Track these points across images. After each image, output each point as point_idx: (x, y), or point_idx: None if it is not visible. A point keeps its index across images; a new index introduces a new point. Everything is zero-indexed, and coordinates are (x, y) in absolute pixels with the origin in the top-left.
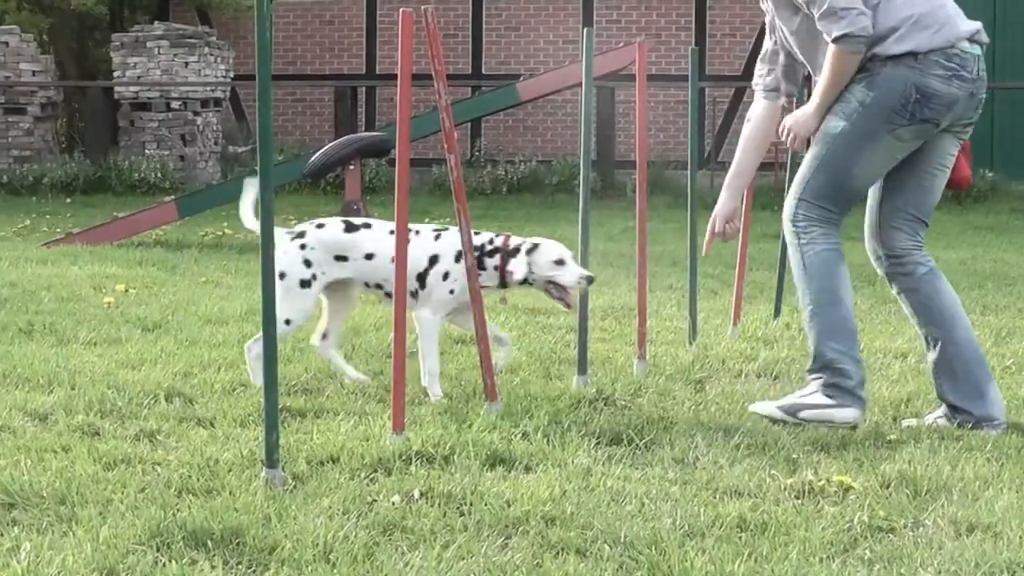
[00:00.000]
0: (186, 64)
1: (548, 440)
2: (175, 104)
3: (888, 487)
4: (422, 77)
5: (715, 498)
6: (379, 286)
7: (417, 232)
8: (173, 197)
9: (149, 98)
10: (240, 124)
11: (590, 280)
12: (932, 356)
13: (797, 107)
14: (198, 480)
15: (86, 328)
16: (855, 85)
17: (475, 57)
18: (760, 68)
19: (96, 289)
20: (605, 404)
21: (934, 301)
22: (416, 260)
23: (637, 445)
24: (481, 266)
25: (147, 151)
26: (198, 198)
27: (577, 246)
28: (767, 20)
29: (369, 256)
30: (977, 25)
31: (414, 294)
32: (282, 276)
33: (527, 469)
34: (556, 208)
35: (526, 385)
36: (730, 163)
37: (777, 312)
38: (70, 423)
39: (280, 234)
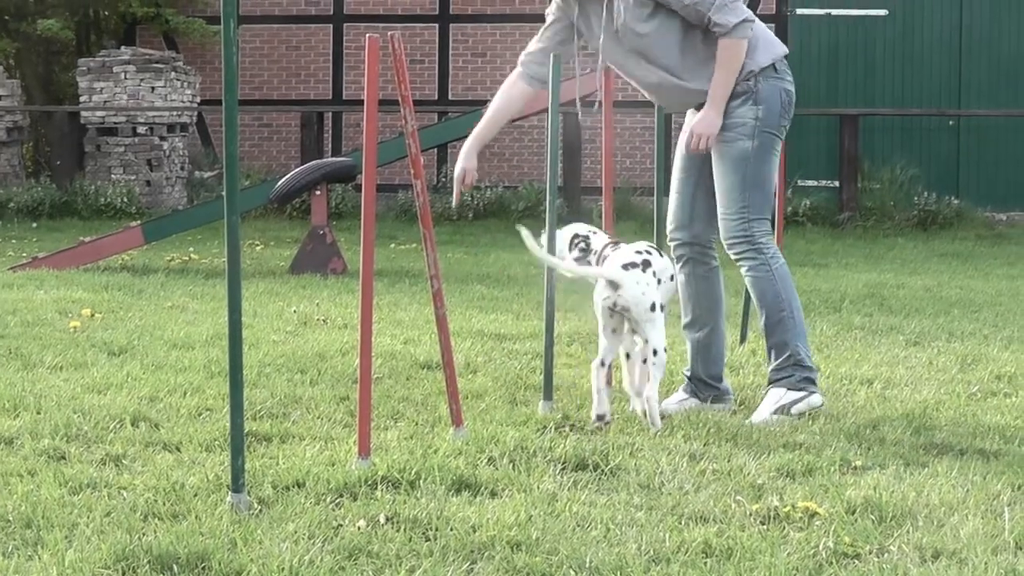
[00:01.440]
0: (152, 89)
1: (514, 465)
2: (141, 129)
3: (853, 513)
4: (389, 103)
5: (680, 524)
6: None
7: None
8: (139, 222)
9: (115, 123)
10: (206, 149)
11: None
12: (697, 335)
13: None
14: (164, 504)
15: (52, 352)
16: (740, 107)
17: (442, 83)
18: (536, 58)
19: (62, 313)
20: (571, 429)
21: (716, 291)
22: None
23: (603, 471)
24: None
25: (113, 176)
26: (164, 223)
27: (543, 271)
28: (551, 18)
29: None
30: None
31: None
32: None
33: (493, 494)
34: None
35: (492, 410)
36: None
37: (743, 339)
38: (36, 447)
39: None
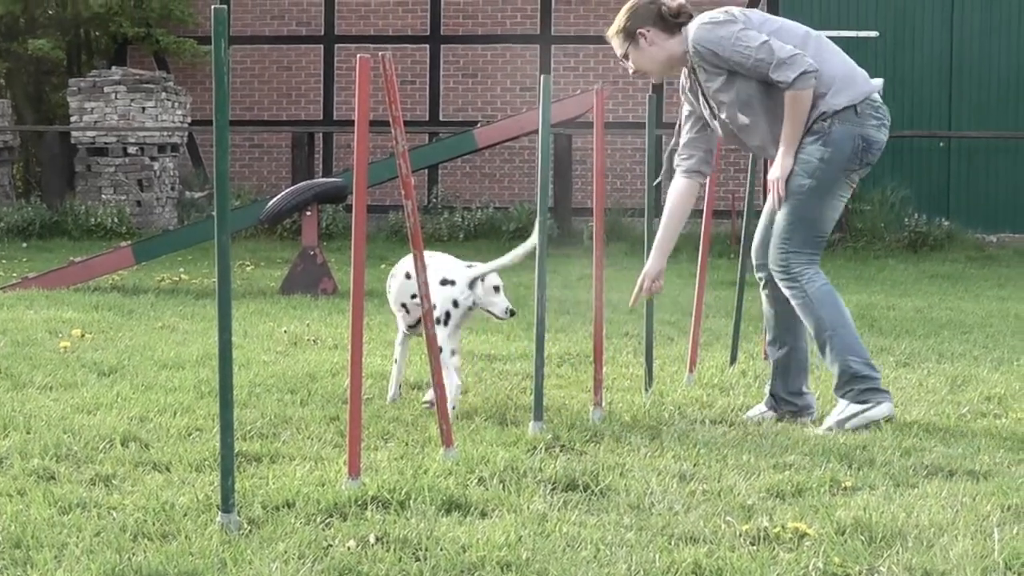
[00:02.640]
0: (143, 109)
1: (504, 486)
2: (132, 149)
3: (843, 534)
4: (379, 123)
5: (670, 544)
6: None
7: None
8: (129, 242)
9: (106, 143)
10: (197, 169)
11: (512, 313)
12: (778, 354)
13: None
14: (154, 524)
15: (42, 372)
16: (810, 145)
17: (432, 103)
18: (684, 151)
19: (52, 333)
20: (561, 450)
21: (792, 314)
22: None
23: (593, 491)
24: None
25: (104, 196)
26: (154, 243)
27: (534, 292)
28: (685, 112)
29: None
30: (880, 81)
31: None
32: None
33: (483, 514)
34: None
35: (482, 431)
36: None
37: (733, 359)
38: (25, 467)
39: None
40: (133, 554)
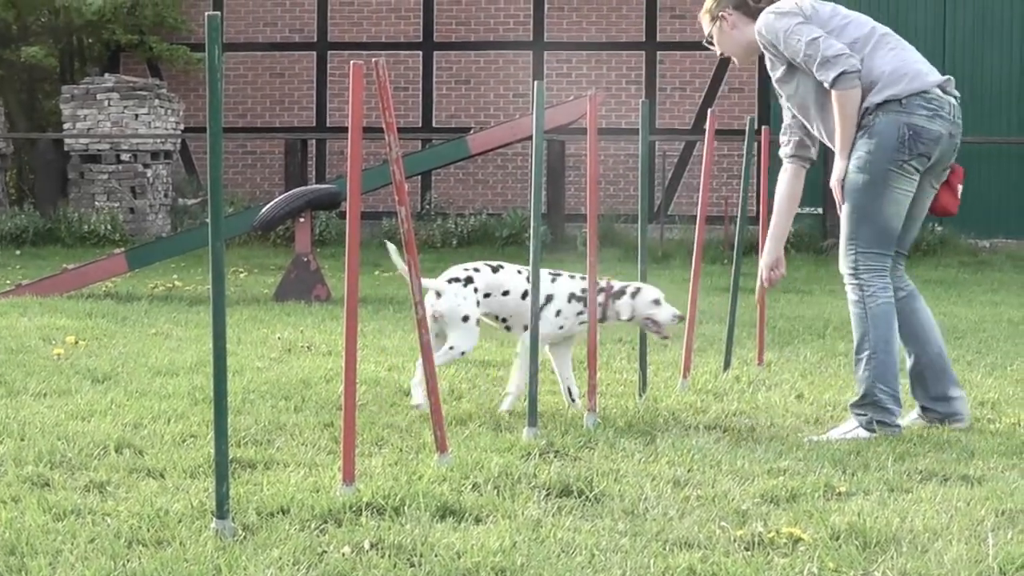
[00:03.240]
0: (136, 116)
1: (498, 491)
2: (125, 156)
3: (838, 539)
4: (373, 130)
5: (665, 549)
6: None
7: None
8: (123, 249)
9: (99, 150)
10: (190, 176)
11: (681, 318)
12: (908, 364)
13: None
14: (148, 531)
15: (36, 379)
16: (859, 140)
17: (426, 110)
18: (784, 138)
19: (46, 340)
20: (555, 456)
21: (911, 320)
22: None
23: (587, 497)
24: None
25: (97, 203)
26: (148, 250)
27: (528, 298)
28: (783, 100)
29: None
30: (946, 77)
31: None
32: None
33: (477, 520)
34: (506, 261)
35: (476, 437)
36: (680, 216)
37: (727, 365)
38: (20, 474)
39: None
40: (128, 561)
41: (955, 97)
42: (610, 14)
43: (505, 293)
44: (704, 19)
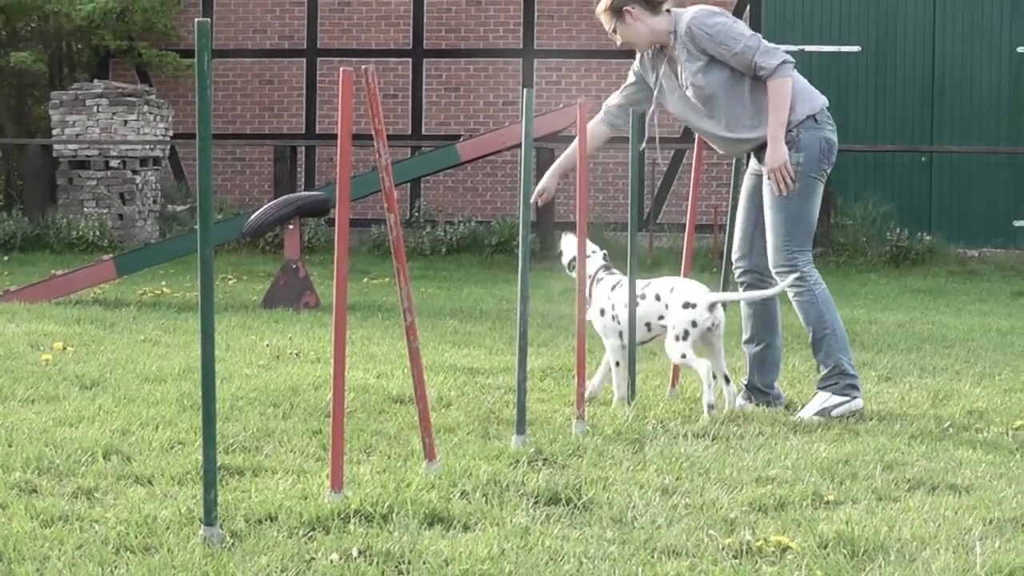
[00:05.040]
0: (125, 122)
1: (487, 499)
2: (114, 162)
3: (826, 547)
4: (362, 137)
5: (653, 558)
6: None
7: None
8: (111, 255)
9: (88, 156)
10: (179, 183)
11: None
12: (754, 350)
13: None
14: (136, 538)
15: (23, 385)
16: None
17: (415, 117)
18: (616, 111)
19: (34, 347)
20: (544, 464)
21: (772, 312)
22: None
23: (575, 504)
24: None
25: (85, 209)
26: (136, 256)
27: (517, 306)
28: (629, 80)
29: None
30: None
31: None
32: None
33: (465, 528)
34: (495, 269)
35: (464, 444)
36: (669, 224)
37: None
38: (7, 480)
39: None
40: (116, 567)
41: None
42: (598, 22)
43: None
44: (605, 15)
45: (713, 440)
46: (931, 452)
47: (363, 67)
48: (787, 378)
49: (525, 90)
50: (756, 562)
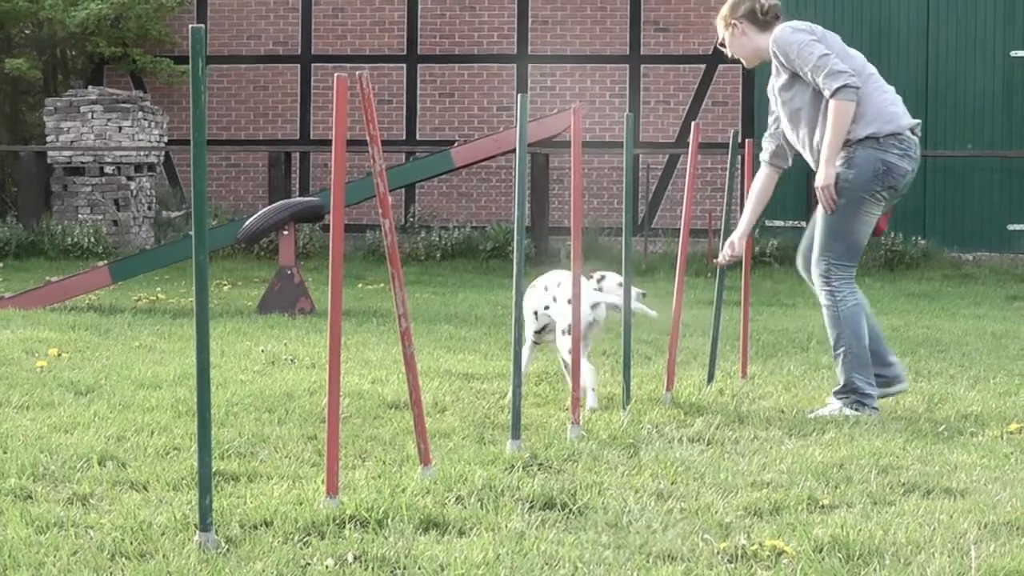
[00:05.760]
0: (120, 129)
1: (482, 504)
2: (108, 169)
3: (821, 551)
4: (357, 142)
5: (648, 562)
6: None
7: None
8: (106, 262)
9: (82, 162)
10: (174, 189)
11: (644, 294)
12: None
13: None
14: (131, 543)
15: (18, 392)
16: (839, 167)
17: (409, 123)
18: (767, 143)
19: (29, 353)
20: (539, 468)
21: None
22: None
23: (571, 509)
24: None
25: (80, 215)
26: (131, 263)
27: (512, 311)
28: (771, 108)
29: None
30: (917, 121)
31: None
32: None
33: (461, 533)
34: (490, 274)
35: (460, 450)
36: (664, 229)
37: (711, 378)
38: (2, 487)
39: None
40: (111, 573)
41: (919, 137)
42: (594, 27)
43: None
44: (719, 25)
45: (708, 444)
46: (926, 456)
47: (357, 73)
48: (781, 382)
49: (519, 95)
50: (751, 566)
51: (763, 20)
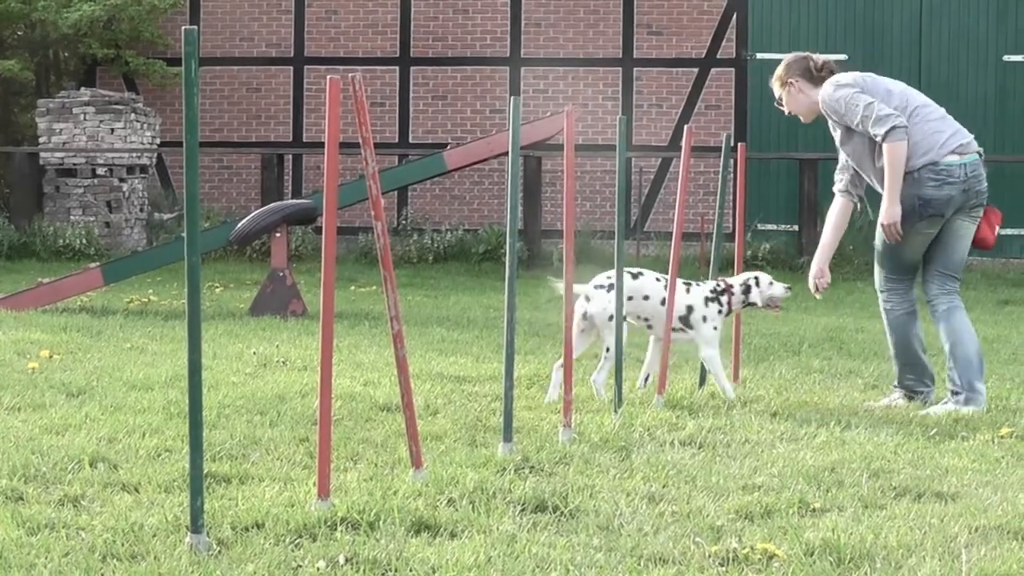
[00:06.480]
0: (112, 130)
1: (473, 507)
2: (101, 170)
3: (812, 555)
4: (349, 145)
5: (640, 565)
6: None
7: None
8: (98, 263)
9: (75, 164)
10: (166, 191)
11: (790, 289)
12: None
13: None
14: (123, 545)
15: (10, 393)
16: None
17: (402, 125)
18: (838, 175)
19: (20, 354)
20: (530, 471)
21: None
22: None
23: (562, 512)
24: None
25: (72, 217)
26: (123, 264)
27: (504, 314)
28: (837, 142)
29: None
30: (964, 140)
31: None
32: None
33: (452, 535)
34: (482, 277)
35: (451, 452)
36: (656, 232)
37: (702, 381)
38: None
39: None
40: (102, 575)
41: (978, 154)
42: (587, 31)
43: (645, 297)
44: (775, 85)
45: (700, 448)
46: (917, 459)
47: (350, 75)
48: (773, 386)
49: (512, 98)
50: (742, 570)
51: (817, 76)
